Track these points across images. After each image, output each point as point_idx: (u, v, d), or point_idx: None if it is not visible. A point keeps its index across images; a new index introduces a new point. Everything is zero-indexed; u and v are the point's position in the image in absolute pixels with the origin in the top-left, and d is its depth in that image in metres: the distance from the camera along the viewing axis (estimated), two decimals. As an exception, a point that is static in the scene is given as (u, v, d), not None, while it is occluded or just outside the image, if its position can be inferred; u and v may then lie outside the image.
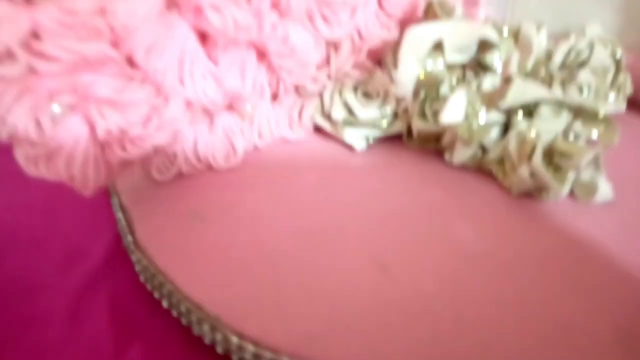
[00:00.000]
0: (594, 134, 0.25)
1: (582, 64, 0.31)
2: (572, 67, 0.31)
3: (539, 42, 0.31)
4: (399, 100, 0.29)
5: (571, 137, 0.26)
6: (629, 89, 0.32)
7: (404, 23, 0.32)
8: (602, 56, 0.31)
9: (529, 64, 0.31)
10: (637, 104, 0.33)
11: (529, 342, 0.18)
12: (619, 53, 0.31)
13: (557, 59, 0.31)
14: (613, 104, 0.31)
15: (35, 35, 0.19)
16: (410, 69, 0.26)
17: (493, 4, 0.35)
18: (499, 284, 0.21)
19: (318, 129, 0.32)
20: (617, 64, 0.31)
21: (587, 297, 0.20)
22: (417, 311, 0.19)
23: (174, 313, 0.21)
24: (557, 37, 0.32)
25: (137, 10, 0.21)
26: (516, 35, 0.32)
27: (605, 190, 0.24)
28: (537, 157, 0.24)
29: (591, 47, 0.31)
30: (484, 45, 0.29)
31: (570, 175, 0.24)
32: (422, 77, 0.26)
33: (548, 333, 0.18)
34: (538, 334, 0.18)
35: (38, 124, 0.20)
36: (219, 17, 0.23)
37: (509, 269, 0.21)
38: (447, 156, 0.28)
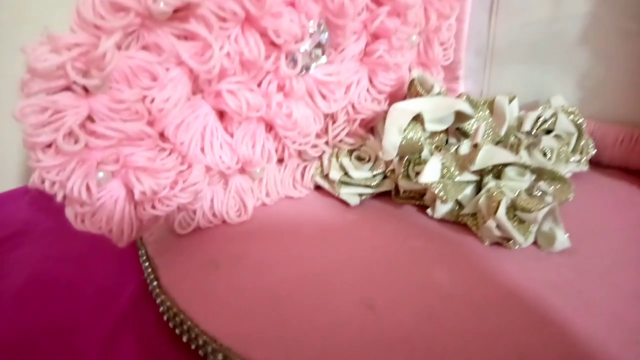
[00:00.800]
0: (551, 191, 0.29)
1: (549, 131, 0.36)
2: (540, 133, 0.36)
3: (511, 111, 0.36)
4: (387, 163, 0.34)
5: (537, 193, 0.31)
6: (591, 150, 0.36)
7: (393, 97, 0.37)
8: (565, 123, 0.35)
9: (503, 131, 0.36)
10: (600, 164, 0.38)
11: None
12: (580, 120, 0.36)
13: (527, 126, 0.36)
14: (576, 164, 0.36)
15: (91, 118, 0.25)
16: (393, 138, 0.31)
17: (471, 79, 0.40)
18: (467, 320, 0.24)
19: (318, 188, 0.36)
20: (579, 130, 0.36)
21: (541, 330, 0.23)
22: (396, 343, 0.23)
23: (193, 346, 0.25)
24: (527, 107, 0.37)
25: (170, 97, 0.26)
26: (491, 105, 0.37)
27: (562, 239, 0.28)
28: (501, 212, 0.28)
29: (556, 115, 0.36)
30: (461, 116, 0.34)
31: (532, 227, 0.28)
32: (403, 143, 0.31)
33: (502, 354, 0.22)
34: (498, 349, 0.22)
35: (87, 188, 0.25)
36: (235, 99, 0.29)
37: (477, 307, 0.25)
38: (429, 211, 0.32)
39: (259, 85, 0.31)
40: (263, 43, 0.28)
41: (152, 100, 0.25)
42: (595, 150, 0.36)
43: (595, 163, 0.37)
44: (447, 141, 0.35)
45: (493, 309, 0.25)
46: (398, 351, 0.23)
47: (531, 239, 0.29)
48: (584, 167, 0.36)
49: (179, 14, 0.25)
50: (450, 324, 0.24)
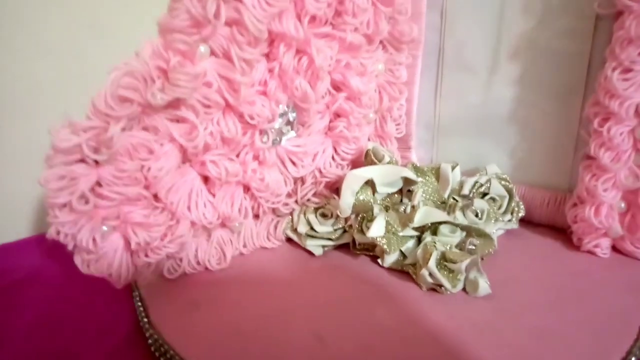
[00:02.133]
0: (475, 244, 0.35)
1: (485, 194, 0.42)
2: (476, 195, 0.42)
3: (454, 177, 0.43)
4: (346, 219, 0.40)
5: (471, 247, 0.37)
6: (522, 211, 0.43)
7: (355, 163, 0.44)
8: (497, 188, 0.42)
9: (446, 193, 0.42)
10: (531, 222, 0.44)
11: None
12: (511, 186, 0.42)
13: (466, 189, 0.42)
14: (507, 222, 0.42)
15: (99, 184, 0.31)
16: (347, 199, 0.37)
17: (422, 148, 0.47)
18: (398, 351, 0.30)
19: (289, 240, 0.42)
20: (510, 193, 0.42)
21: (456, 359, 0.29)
22: (338, 368, 0.29)
23: (174, 372, 0.30)
24: (468, 174, 0.44)
25: (163, 167, 0.33)
26: (437, 172, 0.43)
27: (484, 286, 0.34)
28: (432, 262, 0.34)
29: (490, 181, 0.42)
30: (409, 181, 0.41)
31: (460, 276, 0.34)
32: (355, 203, 0.37)
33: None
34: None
35: (94, 240, 0.31)
36: (216, 168, 0.35)
37: (407, 341, 0.30)
38: (379, 261, 0.38)
39: (238, 155, 0.37)
40: (240, 123, 0.35)
41: (149, 170, 0.32)
42: (525, 211, 0.43)
43: (527, 222, 0.44)
44: (401, 201, 0.42)
45: (420, 342, 0.30)
46: (339, 375, 0.28)
47: (460, 286, 0.35)
48: (515, 225, 0.42)
49: (172, 102, 0.32)
50: (386, 354, 0.30)
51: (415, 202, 0.38)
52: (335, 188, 0.44)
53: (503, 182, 0.42)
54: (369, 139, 0.45)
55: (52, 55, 0.51)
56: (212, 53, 0.32)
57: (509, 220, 0.42)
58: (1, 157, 0.52)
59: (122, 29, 0.53)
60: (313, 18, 0.36)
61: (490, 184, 0.42)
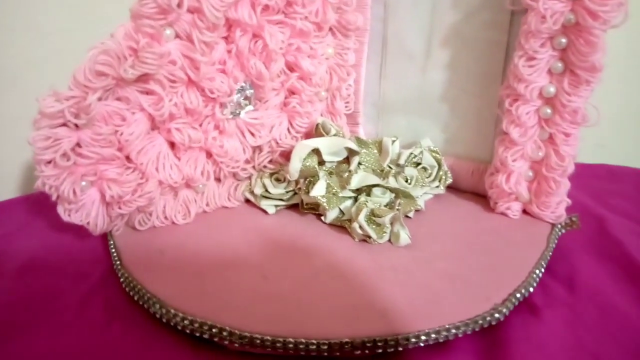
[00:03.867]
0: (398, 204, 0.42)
1: (418, 164, 0.49)
2: (411, 165, 0.49)
3: (394, 149, 0.49)
4: (296, 182, 0.46)
5: (397, 206, 0.43)
6: (449, 179, 0.49)
7: (308, 135, 0.50)
8: (429, 159, 0.49)
9: (386, 162, 0.49)
10: (458, 189, 0.51)
11: (334, 311, 0.34)
12: (440, 157, 0.49)
13: (402, 160, 0.49)
14: (436, 188, 0.48)
15: (79, 144, 0.37)
16: (295, 164, 0.43)
17: (369, 124, 0.53)
18: (330, 285, 0.36)
19: (247, 201, 0.49)
20: (439, 163, 0.49)
21: (374, 292, 0.35)
22: (279, 299, 0.35)
23: (144, 305, 0.36)
24: (406, 146, 0.50)
25: (134, 132, 0.38)
26: (380, 144, 0.50)
27: (404, 237, 0.41)
28: (361, 217, 0.40)
29: (422, 153, 0.49)
30: (352, 151, 0.47)
31: (386, 229, 0.41)
32: (302, 168, 0.43)
33: (343, 308, 0.34)
34: (341, 305, 0.34)
35: (74, 191, 0.37)
36: (180, 134, 0.41)
37: (337, 278, 0.37)
38: (322, 218, 0.45)
39: (201, 125, 0.43)
40: (202, 96, 0.41)
41: (121, 134, 0.38)
42: (453, 179, 0.49)
43: (455, 189, 0.50)
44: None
45: (344, 279, 0.37)
46: (280, 303, 0.35)
47: (386, 238, 0.41)
48: (442, 191, 0.49)
49: (142, 77, 0.38)
50: (319, 289, 0.36)
51: (352, 168, 0.44)
52: (288, 157, 0.50)
53: (433, 154, 0.49)
54: (321, 115, 0.51)
55: (45, 39, 0.57)
56: (177, 36, 0.38)
57: (437, 187, 0.48)
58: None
59: (108, 18, 0.58)
60: (266, 7, 0.42)
61: (422, 155, 0.49)
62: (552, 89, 0.41)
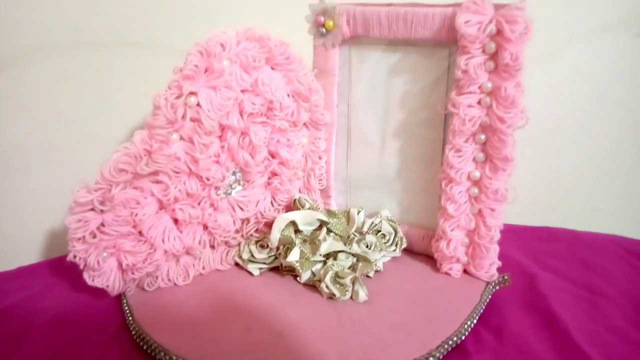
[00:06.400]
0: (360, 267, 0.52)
1: (378, 231, 0.59)
2: (372, 232, 0.59)
3: (359, 218, 0.60)
4: (277, 249, 0.56)
5: (359, 269, 0.53)
6: (404, 244, 0.59)
7: (288, 208, 0.61)
8: (387, 227, 0.59)
9: (352, 230, 0.59)
10: (412, 251, 0.61)
11: (303, 357, 0.43)
12: (397, 226, 0.59)
13: (365, 227, 0.59)
14: (393, 252, 0.59)
15: (102, 224, 0.47)
16: (275, 234, 0.54)
17: (340, 197, 0.64)
18: (300, 339, 0.46)
19: (237, 264, 0.58)
20: (395, 231, 0.59)
21: (333, 340, 0.45)
22: (260, 347, 0.44)
23: (152, 353, 0.45)
24: (369, 216, 0.61)
25: (146, 212, 0.49)
26: (348, 214, 0.60)
27: (362, 295, 0.50)
28: (327, 279, 0.50)
29: (381, 222, 0.59)
30: (323, 222, 0.58)
31: (348, 288, 0.51)
32: (281, 237, 0.54)
33: (311, 354, 0.43)
34: (310, 353, 0.43)
35: (98, 262, 0.47)
36: (182, 213, 0.52)
37: (308, 330, 0.46)
38: (298, 279, 0.54)
39: (199, 204, 0.54)
40: (200, 183, 0.52)
41: (136, 215, 0.48)
42: (407, 243, 0.59)
43: (409, 251, 0.61)
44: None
45: (313, 331, 0.46)
46: (263, 351, 0.44)
47: (348, 295, 0.51)
48: (398, 254, 0.59)
49: (153, 171, 0.48)
50: (291, 340, 0.45)
51: (321, 237, 0.55)
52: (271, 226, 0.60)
53: (391, 223, 0.59)
54: (299, 190, 0.62)
55: (63, 124, 0.68)
56: (181, 138, 0.49)
57: (394, 250, 0.59)
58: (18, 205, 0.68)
59: (120, 105, 0.70)
60: (251, 113, 0.53)
61: (381, 224, 0.59)
62: (477, 174, 0.52)
